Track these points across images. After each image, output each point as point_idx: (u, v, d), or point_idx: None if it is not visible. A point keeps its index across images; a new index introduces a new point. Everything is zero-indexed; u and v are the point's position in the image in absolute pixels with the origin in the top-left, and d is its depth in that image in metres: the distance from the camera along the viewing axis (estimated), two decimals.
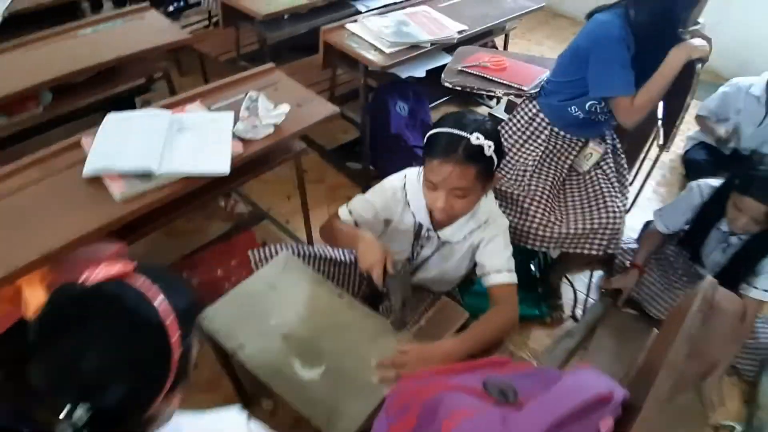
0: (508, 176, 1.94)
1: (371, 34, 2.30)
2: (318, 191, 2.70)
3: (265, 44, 2.62)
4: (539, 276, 2.26)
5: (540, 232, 1.82)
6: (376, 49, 2.25)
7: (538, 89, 1.97)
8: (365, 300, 1.65)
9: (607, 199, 1.86)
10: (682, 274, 2.23)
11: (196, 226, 2.46)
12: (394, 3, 2.67)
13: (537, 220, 1.81)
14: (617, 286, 2.19)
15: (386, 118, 2.56)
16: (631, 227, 2.57)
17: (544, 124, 1.93)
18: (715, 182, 2.05)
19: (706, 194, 2.05)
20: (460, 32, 2.43)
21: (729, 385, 2.07)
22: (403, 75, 2.35)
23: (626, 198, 1.93)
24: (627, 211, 2.26)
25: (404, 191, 1.56)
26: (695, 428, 1.58)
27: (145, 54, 2.21)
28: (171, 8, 3.58)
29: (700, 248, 2.13)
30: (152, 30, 2.29)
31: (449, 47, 2.43)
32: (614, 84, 1.71)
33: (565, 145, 1.93)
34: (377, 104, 2.61)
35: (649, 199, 2.89)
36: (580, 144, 1.94)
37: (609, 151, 1.98)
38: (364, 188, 1.87)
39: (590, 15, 1.78)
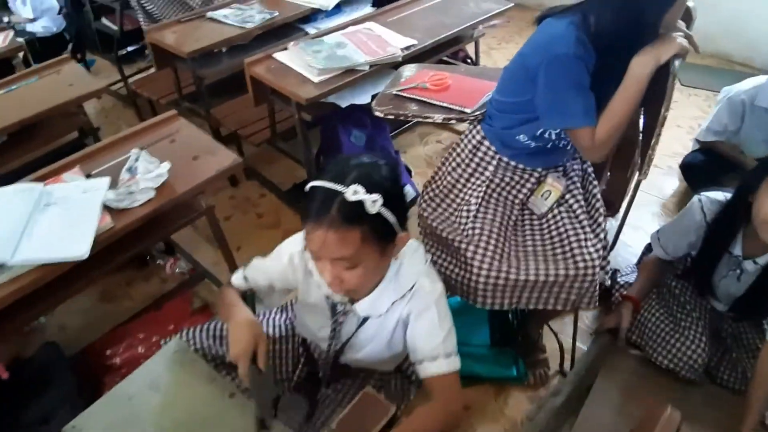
0: (451, 219, 1.61)
1: (301, 62, 2.03)
2: (274, 238, 2.41)
3: (201, 83, 2.38)
4: (516, 326, 1.91)
5: (489, 287, 1.47)
6: (305, 79, 1.97)
7: (484, 110, 1.63)
8: (308, 380, 1.39)
9: (574, 245, 1.49)
10: (691, 309, 1.83)
11: (133, 290, 2.23)
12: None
13: (484, 272, 1.46)
14: (610, 325, 1.82)
15: (338, 151, 2.27)
16: (634, 252, 2.20)
17: (491, 153, 1.58)
18: (721, 195, 1.66)
19: (709, 211, 1.66)
20: (407, 48, 2.12)
21: None
22: (344, 104, 2.05)
23: (602, 238, 1.55)
24: (612, 247, 1.88)
25: (303, 257, 1.26)
26: None
27: (59, 109, 2.01)
28: (125, 51, 3.42)
29: (709, 279, 1.75)
30: (65, 85, 2.09)
31: (399, 66, 2.13)
32: (570, 113, 1.34)
33: (516, 177, 1.58)
34: (328, 136, 2.32)
35: (654, 214, 2.47)
36: (535, 176, 1.59)
37: (576, 179, 1.61)
38: None
39: (541, 18, 1.43)
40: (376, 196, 0.99)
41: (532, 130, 1.47)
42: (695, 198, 1.72)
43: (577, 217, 1.55)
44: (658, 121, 1.37)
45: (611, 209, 2.13)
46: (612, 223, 2.17)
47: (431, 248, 1.67)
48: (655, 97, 1.39)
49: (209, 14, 2.47)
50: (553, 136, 1.48)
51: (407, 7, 2.49)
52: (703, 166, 2.42)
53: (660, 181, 2.63)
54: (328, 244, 1.01)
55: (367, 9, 2.75)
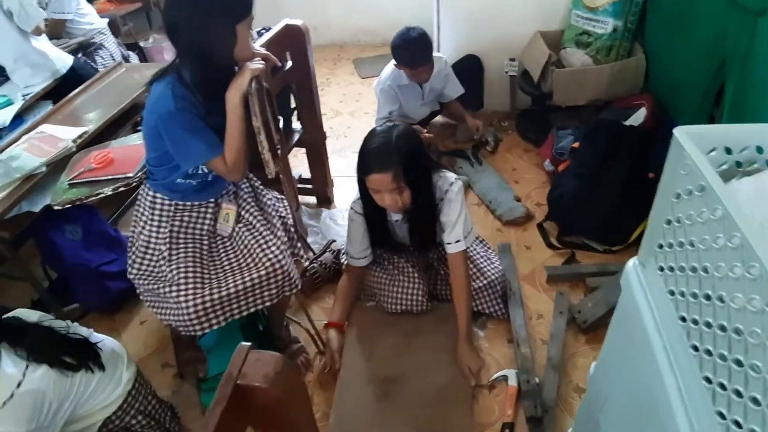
0: (155, 273, 1.81)
1: None
2: None
3: None
4: (264, 330, 2.14)
5: (201, 312, 1.68)
6: None
7: (145, 169, 1.84)
8: None
9: (258, 251, 1.78)
10: (398, 258, 2.24)
11: None
12: None
13: (191, 302, 1.67)
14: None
15: (56, 252, 2.32)
16: None
17: (166, 202, 1.80)
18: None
19: (361, 208, 2.07)
20: (80, 137, 2.25)
21: None
22: (38, 207, 2.12)
23: (282, 235, 1.87)
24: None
25: None
26: None
27: None
28: None
29: (390, 238, 2.17)
30: None
31: None
32: (195, 153, 1.63)
33: (194, 214, 1.83)
34: (43, 243, 2.35)
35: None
36: (211, 206, 1.85)
37: (247, 196, 1.90)
38: None
39: (151, 82, 1.68)
40: None
41: (183, 172, 1.72)
42: (349, 209, 2.12)
43: (255, 227, 1.84)
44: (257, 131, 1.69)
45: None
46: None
47: (150, 306, 1.85)
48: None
49: None
50: (205, 170, 1.74)
51: (75, 99, 2.61)
52: None
53: None
54: None
55: (48, 108, 2.81)
